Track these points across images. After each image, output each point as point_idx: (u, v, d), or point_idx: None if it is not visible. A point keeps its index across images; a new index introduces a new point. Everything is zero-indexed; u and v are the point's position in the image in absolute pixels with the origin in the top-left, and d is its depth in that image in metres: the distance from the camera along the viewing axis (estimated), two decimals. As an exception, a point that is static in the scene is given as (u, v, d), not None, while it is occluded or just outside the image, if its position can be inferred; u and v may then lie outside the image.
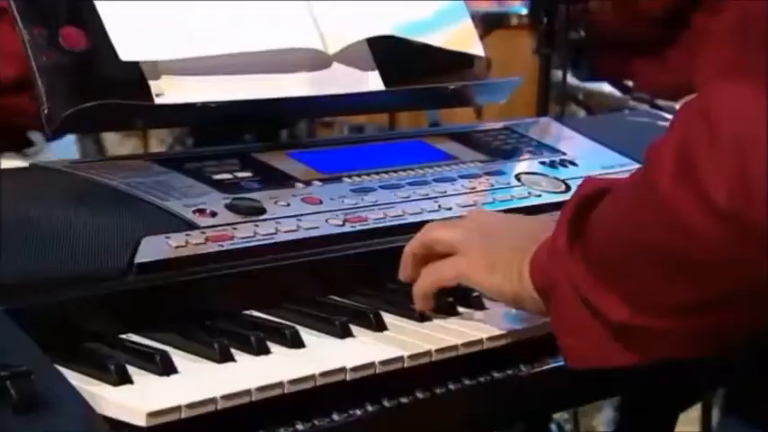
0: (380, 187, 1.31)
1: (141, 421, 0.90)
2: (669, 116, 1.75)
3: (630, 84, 2.11)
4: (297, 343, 1.05)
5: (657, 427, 1.47)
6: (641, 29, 2.26)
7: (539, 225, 1.12)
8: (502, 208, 1.33)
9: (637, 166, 1.50)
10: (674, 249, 0.90)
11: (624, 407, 1.42)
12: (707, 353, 0.97)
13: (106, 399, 0.92)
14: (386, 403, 1.02)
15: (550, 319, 1.04)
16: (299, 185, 1.28)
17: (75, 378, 0.94)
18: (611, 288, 0.97)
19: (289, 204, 1.23)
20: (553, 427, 2.23)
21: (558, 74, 2.10)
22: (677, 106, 1.81)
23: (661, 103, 1.91)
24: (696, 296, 0.91)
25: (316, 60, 1.42)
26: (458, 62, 1.55)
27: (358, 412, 1.00)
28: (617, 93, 2.19)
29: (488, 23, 2.45)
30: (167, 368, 0.98)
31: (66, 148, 2.07)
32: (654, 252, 0.92)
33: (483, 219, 1.17)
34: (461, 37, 1.55)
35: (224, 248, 1.13)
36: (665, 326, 0.95)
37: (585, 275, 0.99)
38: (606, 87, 2.20)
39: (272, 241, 1.16)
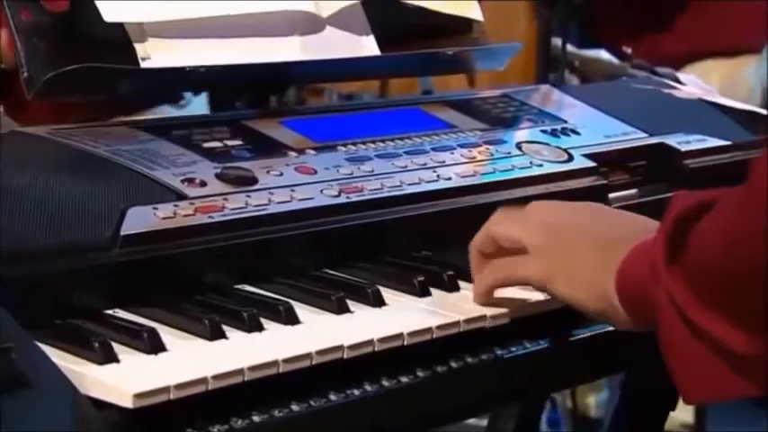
0: (377, 156, 1.26)
1: (128, 403, 0.85)
2: (672, 83, 1.71)
3: (629, 51, 2.06)
4: (291, 319, 1.01)
5: (658, 407, 1.44)
6: None
7: (614, 229, 1.03)
8: (503, 178, 1.29)
9: (642, 134, 1.48)
10: None
11: (626, 384, 1.39)
12: None
13: (90, 378, 0.88)
14: (385, 382, 0.98)
15: (661, 349, 0.95)
16: (293, 154, 1.23)
17: (57, 356, 0.89)
18: (722, 312, 0.88)
19: (282, 174, 1.18)
20: (547, 403, 2.20)
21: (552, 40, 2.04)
22: (681, 76, 1.77)
23: (661, 70, 1.85)
24: None
25: (308, 23, 1.37)
26: (455, 26, 1.50)
27: (356, 392, 0.96)
28: (614, 60, 2.13)
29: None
30: (155, 346, 0.93)
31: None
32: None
33: (549, 213, 1.09)
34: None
35: (214, 220, 1.08)
36: None
37: (690, 298, 0.90)
38: (603, 54, 2.15)
39: (265, 212, 1.12)
